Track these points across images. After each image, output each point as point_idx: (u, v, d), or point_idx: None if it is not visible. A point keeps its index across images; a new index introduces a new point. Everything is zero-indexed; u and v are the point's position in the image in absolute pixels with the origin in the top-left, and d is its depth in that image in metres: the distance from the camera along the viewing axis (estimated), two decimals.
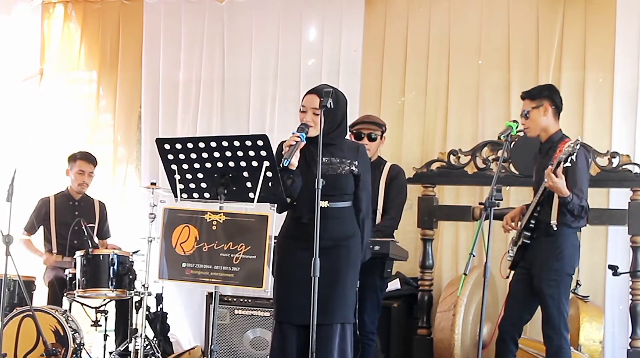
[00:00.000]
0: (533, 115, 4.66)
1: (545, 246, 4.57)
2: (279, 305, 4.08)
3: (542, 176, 4.51)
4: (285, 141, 3.96)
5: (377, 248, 4.95)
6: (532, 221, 4.62)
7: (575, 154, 4.29)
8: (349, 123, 5.47)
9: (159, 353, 5.77)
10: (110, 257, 5.67)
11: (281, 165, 3.83)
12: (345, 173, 4.06)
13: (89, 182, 6.33)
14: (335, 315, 3.95)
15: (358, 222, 4.14)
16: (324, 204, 3.96)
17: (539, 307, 4.64)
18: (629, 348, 5.59)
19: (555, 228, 4.50)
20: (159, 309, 6.12)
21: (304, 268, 3.79)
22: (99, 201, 6.47)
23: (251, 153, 3.81)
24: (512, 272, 4.76)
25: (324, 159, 4.01)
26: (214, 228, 3.85)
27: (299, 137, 3.90)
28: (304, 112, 4.06)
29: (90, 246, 5.67)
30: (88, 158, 6.33)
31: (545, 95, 4.68)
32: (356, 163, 4.12)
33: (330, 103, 3.85)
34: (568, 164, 4.32)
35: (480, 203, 4.72)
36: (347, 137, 4.17)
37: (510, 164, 5.86)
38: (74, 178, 6.30)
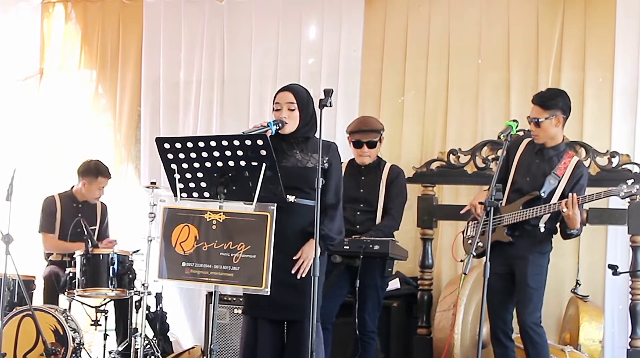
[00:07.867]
0: (545, 125, 4.65)
1: (531, 246, 4.67)
2: (252, 300, 4.03)
3: (537, 178, 4.63)
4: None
5: (377, 247, 4.96)
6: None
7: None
8: (347, 122, 5.53)
9: (158, 352, 5.77)
10: (110, 256, 5.67)
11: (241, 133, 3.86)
12: (313, 165, 4.04)
13: (99, 195, 6.37)
14: (306, 312, 3.86)
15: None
16: (291, 198, 3.97)
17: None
18: (629, 347, 5.58)
19: (542, 231, 4.63)
20: (158, 308, 6.12)
21: (273, 263, 3.77)
22: (102, 202, 6.47)
23: (251, 153, 3.81)
24: (479, 260, 4.84)
25: (296, 153, 4.09)
26: (214, 227, 3.83)
27: (267, 124, 3.99)
28: (279, 111, 4.13)
29: (90, 245, 5.67)
30: (104, 173, 6.30)
31: (559, 106, 4.65)
32: (327, 158, 4.12)
33: (329, 102, 3.87)
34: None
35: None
36: (317, 135, 4.13)
37: None
38: (89, 192, 6.30)
